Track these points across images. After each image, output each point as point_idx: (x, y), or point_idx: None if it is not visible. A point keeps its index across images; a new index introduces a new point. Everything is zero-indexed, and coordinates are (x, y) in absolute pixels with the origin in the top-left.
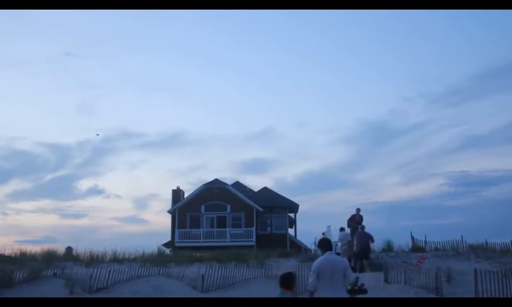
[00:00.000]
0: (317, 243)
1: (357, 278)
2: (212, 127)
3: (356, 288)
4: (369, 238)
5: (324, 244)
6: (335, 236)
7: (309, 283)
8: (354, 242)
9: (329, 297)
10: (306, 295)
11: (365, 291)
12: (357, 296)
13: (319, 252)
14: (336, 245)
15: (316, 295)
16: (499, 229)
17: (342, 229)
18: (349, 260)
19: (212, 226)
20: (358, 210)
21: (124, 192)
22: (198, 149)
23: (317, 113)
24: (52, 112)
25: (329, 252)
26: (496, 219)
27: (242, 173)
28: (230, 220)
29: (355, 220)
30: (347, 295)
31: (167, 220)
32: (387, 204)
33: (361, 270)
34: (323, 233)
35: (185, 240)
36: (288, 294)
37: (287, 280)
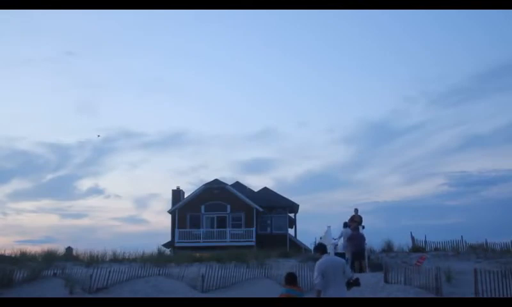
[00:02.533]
0: (313, 249)
1: (353, 274)
2: (213, 127)
3: (351, 281)
4: (363, 238)
5: (321, 248)
6: (335, 236)
7: (316, 284)
8: (348, 242)
9: (334, 294)
10: (311, 294)
11: (359, 284)
12: (352, 288)
13: (317, 255)
14: (336, 245)
15: (322, 293)
16: (499, 229)
17: (345, 225)
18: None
19: (212, 226)
20: (356, 210)
21: (124, 192)
22: (198, 149)
23: (318, 113)
24: (52, 112)
25: (326, 254)
26: (496, 219)
27: (242, 173)
28: (230, 221)
29: (355, 220)
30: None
31: (167, 220)
32: (387, 204)
33: (361, 271)
34: (321, 238)
35: (185, 240)
36: (296, 290)
37: (294, 278)
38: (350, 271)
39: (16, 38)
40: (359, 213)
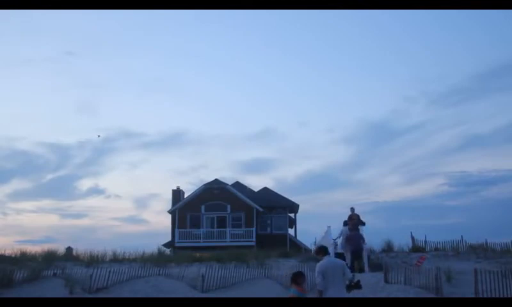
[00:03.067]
0: (314, 251)
1: (353, 275)
2: (213, 127)
3: (352, 284)
4: (362, 238)
5: (322, 250)
6: (335, 236)
7: (317, 284)
8: (346, 243)
9: (333, 294)
10: (313, 294)
11: (360, 287)
12: (353, 290)
13: (319, 257)
14: (337, 244)
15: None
16: (499, 229)
17: (345, 224)
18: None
19: (212, 226)
20: (353, 209)
21: (124, 192)
22: (198, 149)
23: (318, 113)
24: (52, 112)
25: (327, 255)
26: (496, 219)
27: (242, 173)
28: (230, 221)
29: (352, 218)
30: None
31: (167, 220)
32: (387, 204)
33: (360, 271)
34: (322, 238)
35: (185, 240)
36: (298, 290)
37: (297, 277)
38: (349, 272)
39: (16, 38)
40: (356, 212)
